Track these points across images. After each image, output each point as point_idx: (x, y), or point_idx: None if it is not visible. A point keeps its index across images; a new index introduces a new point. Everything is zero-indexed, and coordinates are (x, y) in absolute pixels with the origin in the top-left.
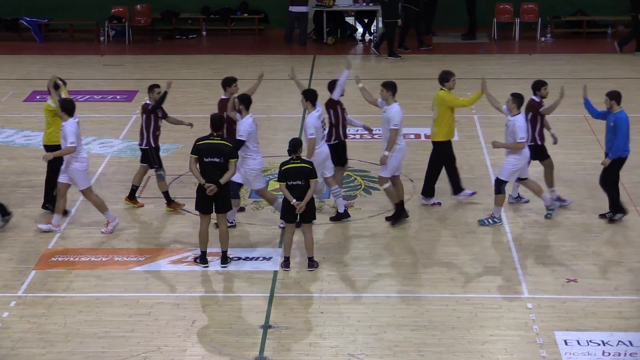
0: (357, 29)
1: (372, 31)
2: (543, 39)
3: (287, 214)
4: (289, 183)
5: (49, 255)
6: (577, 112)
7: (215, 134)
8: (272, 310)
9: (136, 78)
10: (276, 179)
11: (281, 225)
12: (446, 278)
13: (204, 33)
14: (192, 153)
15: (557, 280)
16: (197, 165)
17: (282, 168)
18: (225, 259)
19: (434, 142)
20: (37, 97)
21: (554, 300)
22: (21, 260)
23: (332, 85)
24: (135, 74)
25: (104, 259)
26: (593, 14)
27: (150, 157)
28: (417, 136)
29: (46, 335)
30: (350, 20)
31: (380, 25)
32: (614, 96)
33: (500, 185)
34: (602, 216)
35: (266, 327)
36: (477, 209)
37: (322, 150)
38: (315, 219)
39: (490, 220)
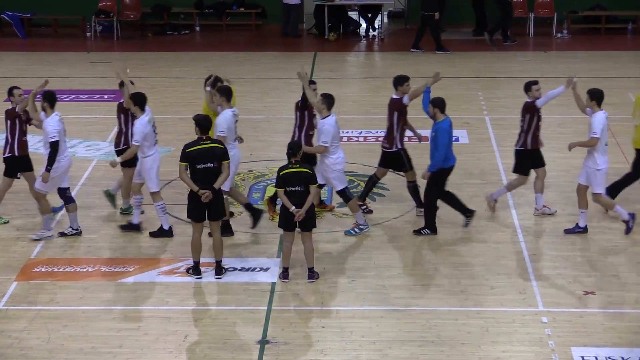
0: (360, 24)
1: (377, 26)
2: (559, 35)
3: (286, 221)
4: (287, 189)
5: (31, 266)
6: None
7: (204, 137)
8: (269, 324)
9: None
10: (274, 184)
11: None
12: (456, 290)
13: (198, 29)
14: (181, 161)
15: (574, 293)
16: (188, 172)
17: (281, 173)
18: (219, 270)
19: (638, 150)
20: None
21: (571, 314)
22: (2, 270)
23: (528, 87)
24: None
25: (90, 270)
26: (612, 8)
27: None
28: (425, 139)
29: (29, 351)
30: (353, 15)
31: (385, 20)
32: (437, 103)
33: (344, 195)
34: (417, 232)
35: (263, 342)
36: (490, 217)
37: (154, 157)
38: (315, 227)
39: (356, 229)
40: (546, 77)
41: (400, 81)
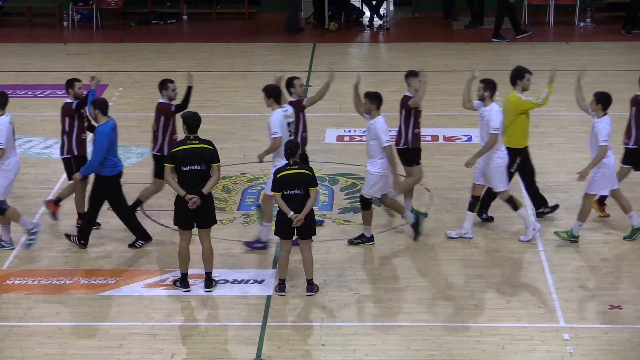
0: (364, 13)
1: (382, 14)
2: (582, 24)
3: (283, 228)
4: (285, 193)
5: (3, 278)
6: (623, 109)
7: (192, 137)
8: (264, 342)
9: (105, 70)
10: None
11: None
12: (469, 304)
13: (185, 17)
14: (166, 162)
15: (598, 307)
16: (174, 175)
17: (278, 175)
18: (209, 282)
19: None
20: None
21: (595, 330)
22: None
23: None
24: (105, 65)
25: (67, 282)
26: None
27: None
28: (435, 138)
29: None
30: (356, 2)
31: (391, 7)
32: (98, 105)
33: None
34: (132, 245)
35: None
36: (503, 223)
37: (14, 163)
38: (315, 234)
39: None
40: (568, 71)
41: None
